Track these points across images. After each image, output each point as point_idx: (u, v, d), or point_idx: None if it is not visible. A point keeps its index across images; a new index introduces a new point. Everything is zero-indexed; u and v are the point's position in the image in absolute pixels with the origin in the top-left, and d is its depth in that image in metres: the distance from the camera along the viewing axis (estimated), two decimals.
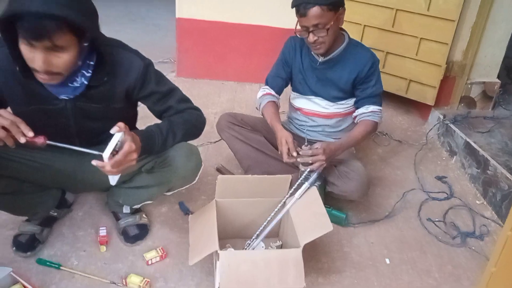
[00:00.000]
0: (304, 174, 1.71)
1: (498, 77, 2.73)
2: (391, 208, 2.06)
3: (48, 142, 1.22)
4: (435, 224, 1.99)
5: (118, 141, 1.20)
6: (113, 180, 1.30)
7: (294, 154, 1.74)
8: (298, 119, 2.12)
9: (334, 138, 2.06)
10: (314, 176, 1.70)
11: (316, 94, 1.99)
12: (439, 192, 2.21)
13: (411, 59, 2.66)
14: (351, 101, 1.98)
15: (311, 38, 1.76)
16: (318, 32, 1.74)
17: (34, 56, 1.16)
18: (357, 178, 1.82)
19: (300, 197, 1.66)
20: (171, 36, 3.18)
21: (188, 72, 3.23)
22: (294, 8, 1.75)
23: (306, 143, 1.76)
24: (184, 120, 1.49)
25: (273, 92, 2.00)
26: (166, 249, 1.70)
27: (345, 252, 1.80)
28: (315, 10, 1.68)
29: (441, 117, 2.65)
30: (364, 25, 2.77)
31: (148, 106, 1.55)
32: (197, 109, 1.58)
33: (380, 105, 1.92)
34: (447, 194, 2.20)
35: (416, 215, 2.05)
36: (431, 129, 2.69)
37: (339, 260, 1.76)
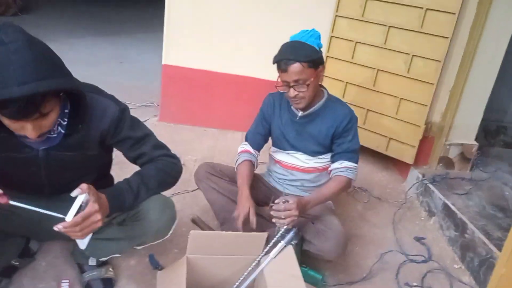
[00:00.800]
0: (281, 232, 1.67)
1: (477, 139, 2.78)
2: (369, 269, 2.01)
3: (10, 202, 1.16)
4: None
5: (82, 202, 1.15)
6: (82, 244, 1.23)
7: (254, 227, 1.76)
8: (277, 172, 2.10)
9: (310, 191, 2.04)
10: (290, 234, 1.65)
11: (295, 149, 1.99)
12: (417, 255, 2.17)
13: (391, 117, 2.71)
14: (330, 155, 1.98)
15: (292, 93, 1.79)
16: (299, 87, 1.77)
17: (22, 127, 1.14)
18: (334, 238, 1.78)
19: (275, 256, 1.60)
20: (158, 81, 3.19)
21: (171, 117, 3.22)
22: (275, 64, 1.78)
23: (283, 200, 1.72)
24: (157, 169, 1.45)
25: (251, 150, 2.00)
26: None
27: None
28: (295, 67, 1.72)
29: (420, 176, 2.67)
30: (346, 82, 2.83)
31: (122, 152, 1.51)
32: (173, 156, 1.54)
33: (356, 162, 1.92)
34: (424, 257, 2.16)
35: (394, 278, 2.00)
36: (410, 188, 2.69)
37: None
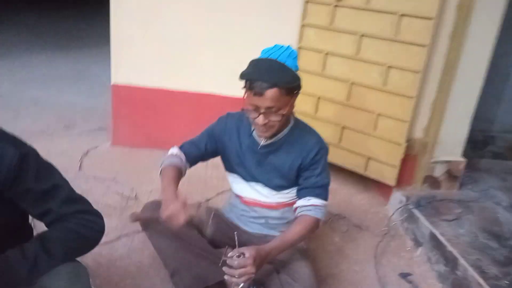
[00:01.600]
0: None
1: (464, 154, 2.54)
2: None
3: None
4: None
5: None
6: None
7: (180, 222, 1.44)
8: (237, 208, 1.82)
9: (280, 231, 1.76)
10: None
11: (256, 180, 1.71)
12: None
13: (369, 135, 2.45)
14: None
15: (261, 120, 1.50)
16: (271, 115, 1.49)
17: None
18: None
19: None
20: None
21: (125, 140, 2.91)
22: (243, 81, 1.50)
23: (238, 253, 1.43)
24: (66, 231, 1.16)
25: (182, 157, 1.71)
26: None
27: None
28: (273, 92, 1.44)
29: (404, 199, 2.41)
30: (319, 97, 2.57)
31: (26, 208, 1.20)
32: (91, 212, 1.25)
33: (325, 199, 1.64)
34: None
35: None
36: (393, 213, 2.43)
37: None
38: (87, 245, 1.21)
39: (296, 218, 1.63)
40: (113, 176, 2.54)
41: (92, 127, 3.18)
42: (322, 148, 1.63)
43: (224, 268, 1.42)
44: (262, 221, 1.78)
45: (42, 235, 1.14)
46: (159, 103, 2.82)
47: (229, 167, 1.77)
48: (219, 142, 1.72)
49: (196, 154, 1.74)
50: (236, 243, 1.45)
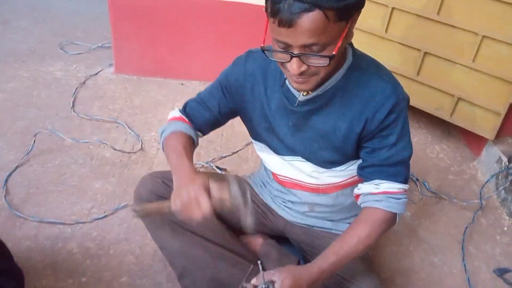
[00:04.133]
0: None
1: None
2: None
3: None
4: None
5: None
6: None
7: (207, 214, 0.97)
8: (270, 184, 1.32)
9: (329, 218, 1.29)
10: None
11: (294, 153, 1.16)
12: None
13: (465, 66, 1.79)
14: (357, 164, 1.14)
15: (295, 68, 0.91)
16: (310, 58, 0.90)
17: None
18: None
19: None
20: None
21: (131, 67, 2.37)
22: (266, 4, 0.88)
23: (263, 285, 0.95)
24: None
25: (186, 119, 1.21)
26: None
27: None
28: (313, 18, 0.83)
29: (504, 159, 1.80)
30: (393, 8, 1.86)
31: None
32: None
33: (405, 181, 1.08)
34: None
35: None
36: (488, 180, 1.84)
37: None
38: None
39: (360, 213, 1.10)
40: (113, 117, 2.05)
41: (94, 45, 2.63)
42: (400, 101, 1.03)
43: None
44: (305, 208, 1.27)
45: None
46: (171, 17, 2.20)
47: (255, 134, 1.22)
48: (236, 97, 1.16)
49: (207, 118, 1.20)
50: (261, 272, 0.96)
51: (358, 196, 1.12)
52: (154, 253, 1.47)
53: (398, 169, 1.07)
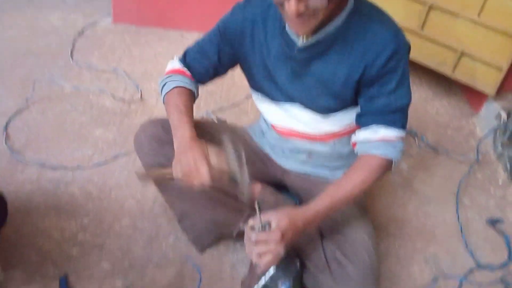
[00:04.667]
0: (265, 281, 0.99)
1: None
2: None
3: None
4: None
5: None
6: None
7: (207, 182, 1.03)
8: (269, 134, 1.33)
9: (326, 166, 1.31)
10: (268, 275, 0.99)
11: (292, 100, 1.17)
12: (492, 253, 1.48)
13: (470, 20, 1.77)
14: (355, 112, 1.16)
15: (294, 8, 0.90)
16: None
17: None
18: (359, 276, 1.08)
19: None
20: None
21: (130, 17, 2.34)
22: None
23: (260, 224, 0.99)
24: None
25: (187, 72, 1.20)
26: None
27: None
28: None
29: (503, 114, 1.82)
30: None
31: None
32: None
33: (403, 128, 1.10)
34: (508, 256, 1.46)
35: None
36: (486, 135, 1.86)
37: None
38: None
39: (357, 160, 1.12)
40: (113, 66, 2.05)
41: None
42: (401, 47, 1.03)
43: (246, 241, 1.01)
44: (303, 156, 1.30)
45: None
46: None
47: (254, 83, 1.23)
48: (236, 44, 1.15)
49: (207, 67, 1.20)
50: (258, 213, 0.99)
51: (355, 144, 1.14)
52: (154, 198, 1.51)
53: (396, 116, 1.08)
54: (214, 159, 1.04)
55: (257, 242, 0.97)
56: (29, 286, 1.25)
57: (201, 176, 1.02)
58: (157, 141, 1.23)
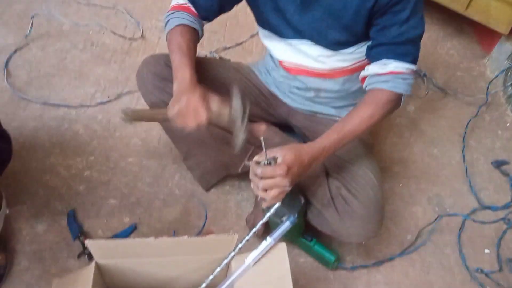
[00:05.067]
0: (270, 214, 1.00)
1: None
2: (416, 232, 1.37)
3: None
4: (486, 275, 1.30)
5: None
6: None
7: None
8: (275, 71, 1.30)
9: (334, 105, 1.30)
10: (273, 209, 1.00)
11: (301, 35, 1.13)
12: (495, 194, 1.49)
13: None
14: (365, 47, 1.13)
15: None
16: None
17: None
18: (363, 214, 1.09)
19: (254, 263, 0.96)
20: None
21: None
22: None
23: (266, 160, 0.98)
24: None
25: (191, 8, 1.15)
26: None
27: None
28: None
29: None
30: None
31: None
32: None
33: (413, 61, 1.07)
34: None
35: (455, 242, 1.36)
36: (497, 76, 1.82)
37: None
38: None
39: (365, 95, 1.11)
40: (112, 2, 1.98)
41: None
42: None
43: (251, 176, 1.01)
44: (311, 94, 1.27)
45: None
46: None
47: (260, 17, 1.18)
48: None
49: (211, 2, 1.14)
50: (264, 149, 0.99)
51: (364, 79, 1.12)
52: (159, 137, 1.51)
53: (408, 48, 1.05)
54: (214, 105, 1.01)
55: (263, 177, 0.97)
56: (38, 221, 1.27)
57: (198, 117, 0.99)
58: (160, 78, 1.21)
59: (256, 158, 1.01)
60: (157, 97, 1.23)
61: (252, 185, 1.01)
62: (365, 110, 1.06)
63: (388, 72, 1.05)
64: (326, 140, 1.04)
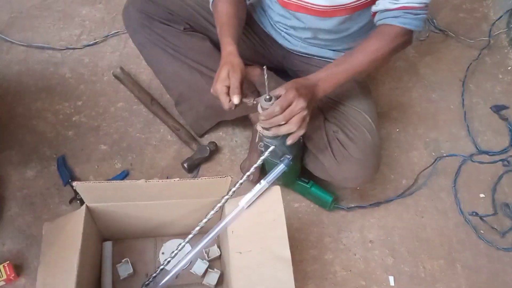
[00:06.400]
0: (265, 156, 0.99)
1: None
2: (411, 178, 1.36)
3: None
4: (480, 218, 1.31)
5: None
6: None
7: (236, 100, 0.96)
8: (272, 9, 1.24)
9: (334, 50, 1.25)
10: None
11: None
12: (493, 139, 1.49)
13: None
14: None
15: None
16: None
17: None
18: (360, 157, 1.08)
19: (248, 206, 0.96)
20: None
21: None
22: None
23: (267, 95, 0.94)
24: None
25: None
26: (19, 263, 1.09)
27: (326, 262, 1.20)
28: None
29: None
30: None
31: None
32: None
33: None
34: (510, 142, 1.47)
35: (451, 186, 1.36)
36: (501, 17, 1.76)
37: (312, 281, 1.15)
38: None
39: (374, 31, 1.06)
40: None
41: None
42: None
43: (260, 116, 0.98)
44: (308, 34, 1.22)
45: None
46: None
47: None
48: None
49: None
50: (266, 82, 0.95)
51: (375, 14, 1.07)
52: (149, 81, 1.47)
53: None
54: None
55: (273, 113, 0.93)
56: (27, 167, 1.26)
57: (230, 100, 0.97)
58: (146, 16, 1.17)
59: (258, 98, 0.97)
60: (145, 37, 1.19)
61: (264, 124, 0.96)
62: (370, 43, 1.03)
63: (399, 7, 1.00)
64: (329, 71, 1.02)
